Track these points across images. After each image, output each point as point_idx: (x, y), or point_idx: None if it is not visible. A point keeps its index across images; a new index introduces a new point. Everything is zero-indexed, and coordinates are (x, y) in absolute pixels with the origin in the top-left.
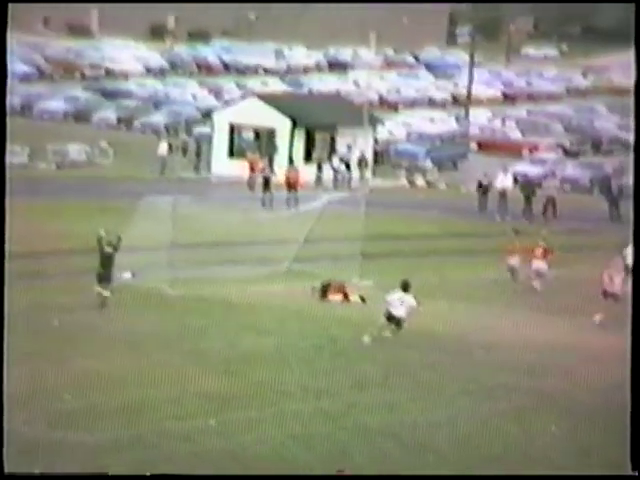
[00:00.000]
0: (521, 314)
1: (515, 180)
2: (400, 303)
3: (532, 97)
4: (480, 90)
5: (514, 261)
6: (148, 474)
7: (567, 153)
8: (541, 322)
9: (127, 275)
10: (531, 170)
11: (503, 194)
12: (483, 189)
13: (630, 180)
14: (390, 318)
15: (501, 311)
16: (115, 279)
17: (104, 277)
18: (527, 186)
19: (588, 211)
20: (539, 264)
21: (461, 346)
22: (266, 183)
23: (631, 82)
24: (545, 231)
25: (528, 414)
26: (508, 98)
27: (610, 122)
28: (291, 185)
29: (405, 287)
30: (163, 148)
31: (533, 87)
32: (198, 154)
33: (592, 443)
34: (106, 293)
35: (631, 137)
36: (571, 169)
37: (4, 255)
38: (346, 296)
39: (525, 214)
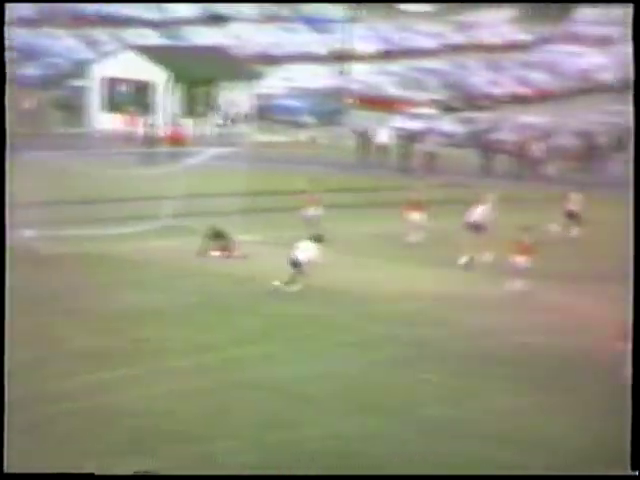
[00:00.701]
0: (399, 266)
1: (395, 135)
2: (306, 250)
3: (409, 53)
4: (359, 45)
5: (310, 212)
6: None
7: (443, 108)
8: (418, 273)
9: (30, 233)
10: (409, 125)
11: (382, 149)
12: (363, 144)
13: (503, 136)
14: (295, 264)
15: (380, 264)
16: (16, 236)
17: None
18: (405, 141)
19: (462, 165)
20: (415, 217)
21: (341, 298)
22: (147, 138)
23: (499, 40)
24: (421, 184)
25: (405, 363)
26: (386, 54)
27: (482, 78)
28: (175, 141)
29: (318, 239)
30: (33, 102)
31: (410, 43)
32: (73, 108)
33: (469, 389)
34: None
35: (501, 91)
36: (447, 124)
37: None
38: (229, 253)
39: (403, 168)
